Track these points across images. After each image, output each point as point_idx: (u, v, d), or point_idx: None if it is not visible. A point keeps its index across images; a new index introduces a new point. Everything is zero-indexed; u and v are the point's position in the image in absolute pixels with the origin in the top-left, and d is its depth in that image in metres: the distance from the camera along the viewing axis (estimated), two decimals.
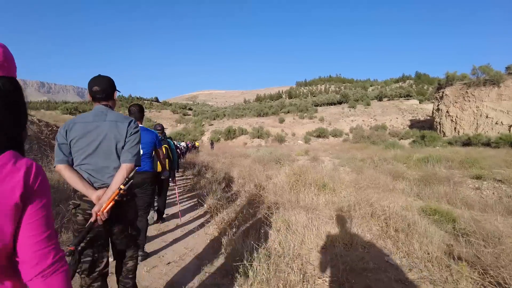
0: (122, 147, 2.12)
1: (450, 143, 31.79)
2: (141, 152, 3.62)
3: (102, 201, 1.93)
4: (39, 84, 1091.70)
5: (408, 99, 72.91)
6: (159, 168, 4.90)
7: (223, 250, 3.66)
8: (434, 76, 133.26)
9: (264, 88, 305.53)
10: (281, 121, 59.84)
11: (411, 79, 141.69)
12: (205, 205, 5.72)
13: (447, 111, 37.49)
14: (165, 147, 5.32)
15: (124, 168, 2.06)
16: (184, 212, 6.11)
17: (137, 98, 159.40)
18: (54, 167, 2.06)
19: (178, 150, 16.52)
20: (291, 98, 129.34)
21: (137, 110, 3.78)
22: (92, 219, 1.90)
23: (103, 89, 2.17)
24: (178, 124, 76.60)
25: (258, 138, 50.16)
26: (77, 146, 2.04)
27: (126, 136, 2.12)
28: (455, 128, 36.38)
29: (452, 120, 36.92)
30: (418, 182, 8.26)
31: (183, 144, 23.27)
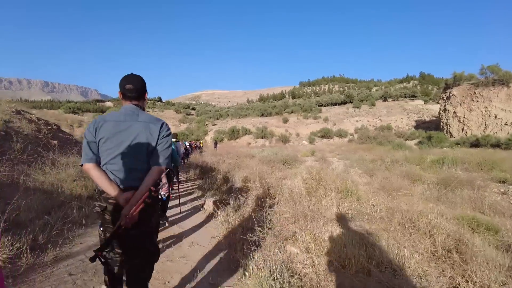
0: (153, 150, 2.07)
1: (457, 144, 31.27)
2: None
3: (131, 203, 1.89)
4: (43, 84, 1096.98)
5: (413, 99, 72.26)
6: None
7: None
8: (438, 76, 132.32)
9: (267, 88, 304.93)
10: (285, 121, 59.40)
11: (416, 79, 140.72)
12: (218, 220, 5.23)
13: (455, 112, 36.93)
14: None
15: (156, 171, 2.03)
16: (187, 220, 5.75)
17: None
18: (81, 165, 1.99)
19: (185, 150, 16.17)
20: (295, 98, 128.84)
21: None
22: (121, 222, 1.87)
23: (136, 88, 2.12)
24: (181, 124, 76.34)
25: (262, 138, 49.77)
26: (106, 145, 1.99)
27: (158, 138, 2.07)
28: (462, 129, 35.82)
29: (459, 120, 36.37)
30: (437, 185, 7.82)
31: (186, 144, 22.74)
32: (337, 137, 48.85)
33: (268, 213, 3.96)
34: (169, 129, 2.19)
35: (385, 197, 4.84)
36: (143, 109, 2.22)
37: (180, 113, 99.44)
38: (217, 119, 77.05)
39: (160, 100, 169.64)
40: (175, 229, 4.97)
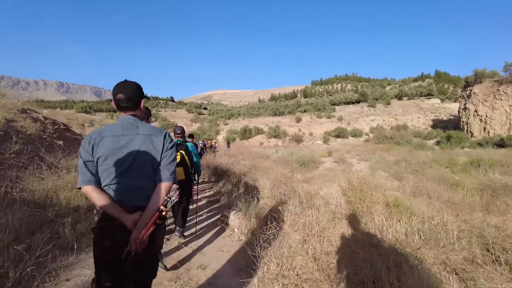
0: (158, 164, 1.91)
1: (479, 144, 29.95)
2: None
3: (140, 226, 1.74)
4: (58, 84, 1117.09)
5: (429, 98, 70.43)
6: (177, 176, 4.34)
7: None
8: (454, 74, 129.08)
9: (278, 88, 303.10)
10: (298, 120, 58.50)
11: (431, 78, 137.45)
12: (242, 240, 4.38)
13: (476, 110, 35.52)
14: (180, 153, 4.81)
15: (163, 188, 1.88)
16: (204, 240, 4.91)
17: (153, 97, 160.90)
18: (79, 188, 1.80)
19: (200, 150, 15.54)
20: (307, 97, 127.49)
21: (144, 113, 3.27)
22: (131, 249, 1.71)
23: (128, 97, 1.91)
24: (193, 124, 76.30)
25: (275, 138, 49.04)
26: (106, 164, 1.81)
27: (162, 151, 1.92)
28: (484, 128, 34.41)
29: (481, 119, 34.95)
30: (480, 192, 7.04)
31: (201, 143, 21.84)
32: (352, 136, 47.81)
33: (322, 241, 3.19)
34: (172, 140, 2.03)
35: (447, 212, 4.03)
36: (141, 119, 2.02)
37: (192, 112, 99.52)
38: (229, 118, 76.60)
39: (172, 100, 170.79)
40: (188, 252, 4.17)
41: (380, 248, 2.89)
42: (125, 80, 1.98)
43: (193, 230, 5.05)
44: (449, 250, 2.63)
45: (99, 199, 1.75)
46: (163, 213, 1.80)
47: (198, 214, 5.98)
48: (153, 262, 2.03)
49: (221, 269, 3.53)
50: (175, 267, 3.57)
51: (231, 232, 4.79)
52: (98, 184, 1.81)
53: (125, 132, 1.88)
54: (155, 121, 77.69)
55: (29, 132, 6.83)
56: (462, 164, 10.88)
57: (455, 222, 3.44)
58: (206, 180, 12.00)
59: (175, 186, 3.97)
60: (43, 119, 8.54)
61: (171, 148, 1.97)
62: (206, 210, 6.53)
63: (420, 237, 3.05)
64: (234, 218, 4.89)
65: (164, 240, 4.41)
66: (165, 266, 3.52)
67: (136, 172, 1.85)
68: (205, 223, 5.60)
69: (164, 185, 1.88)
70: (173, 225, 5.04)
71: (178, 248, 4.24)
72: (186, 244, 4.41)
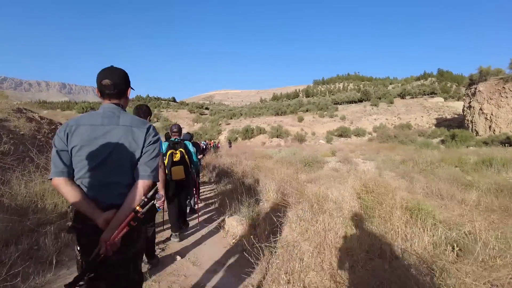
0: (138, 159, 1.72)
1: (485, 142, 29.49)
2: None
3: (112, 226, 1.55)
4: (61, 85, 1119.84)
5: (432, 96, 69.89)
6: (174, 176, 4.47)
7: None
8: (457, 73, 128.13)
9: (280, 87, 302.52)
10: (300, 120, 58.10)
11: (433, 76, 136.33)
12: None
13: (481, 109, 35.05)
14: (180, 151, 4.65)
15: (141, 186, 1.68)
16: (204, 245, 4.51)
17: (155, 98, 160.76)
18: (50, 179, 1.63)
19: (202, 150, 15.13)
20: (309, 96, 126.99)
21: (143, 111, 3.41)
22: (100, 251, 1.52)
23: (115, 84, 1.77)
24: (195, 124, 75.97)
25: (277, 137, 48.68)
26: (80, 155, 1.66)
27: (143, 146, 1.74)
28: (490, 127, 33.94)
29: (486, 118, 34.48)
30: (496, 193, 6.66)
31: (203, 143, 21.12)
32: (355, 136, 47.41)
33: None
34: (157, 133, 1.84)
35: (477, 218, 3.59)
36: (125, 109, 1.86)
37: (194, 112, 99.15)
38: (231, 118, 76.25)
39: (174, 100, 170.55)
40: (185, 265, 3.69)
41: (405, 262, 2.51)
42: (112, 66, 1.82)
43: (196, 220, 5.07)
44: (490, 266, 2.24)
45: (70, 193, 1.60)
46: (139, 215, 1.58)
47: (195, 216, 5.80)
48: (129, 271, 1.76)
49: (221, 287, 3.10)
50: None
51: (234, 240, 4.28)
52: (71, 177, 1.65)
53: (105, 121, 1.71)
54: (157, 121, 77.47)
55: (22, 132, 6.50)
56: (473, 163, 10.47)
57: (488, 230, 3.00)
58: (206, 180, 11.65)
59: (162, 193, 3.44)
60: (39, 119, 8.21)
61: (154, 142, 1.77)
62: (205, 216, 6.10)
63: (453, 248, 2.65)
64: (237, 225, 4.46)
65: (158, 250, 4.01)
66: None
67: (112, 166, 1.68)
68: (204, 229, 5.11)
69: (142, 183, 1.67)
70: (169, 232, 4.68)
71: (171, 259, 3.78)
72: (182, 254, 3.93)
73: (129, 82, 1.88)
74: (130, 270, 1.76)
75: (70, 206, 1.73)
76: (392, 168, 11.81)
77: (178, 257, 3.78)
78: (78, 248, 1.77)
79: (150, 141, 1.76)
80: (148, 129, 1.78)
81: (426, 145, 22.52)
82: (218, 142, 32.76)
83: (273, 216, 3.68)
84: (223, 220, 5.17)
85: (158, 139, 1.83)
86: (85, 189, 1.65)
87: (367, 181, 4.73)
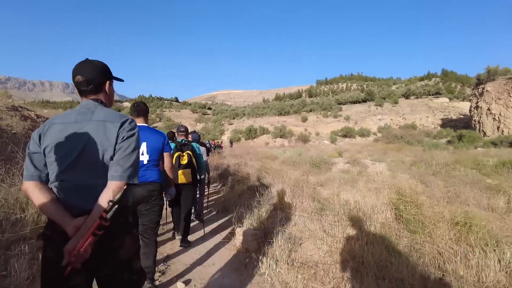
0: (111, 158, 1.50)
1: (493, 143, 28.88)
2: (148, 158, 3.00)
3: (80, 234, 1.34)
4: (64, 85, 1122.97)
5: (437, 97, 69.17)
6: (181, 179, 4.24)
7: None
8: (462, 73, 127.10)
9: (283, 88, 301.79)
10: (304, 120, 57.56)
11: (437, 76, 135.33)
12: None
13: (489, 109, 34.41)
14: (187, 153, 4.41)
15: (111, 188, 1.43)
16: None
17: (158, 98, 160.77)
18: (22, 183, 1.46)
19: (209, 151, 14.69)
20: (312, 97, 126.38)
21: (142, 106, 3.16)
22: (64, 262, 1.32)
23: (87, 80, 1.58)
24: (198, 124, 75.61)
25: (281, 137, 48.17)
26: (52, 155, 1.48)
27: (116, 142, 1.50)
28: (498, 127, 33.29)
29: (494, 118, 33.84)
30: None
31: (208, 143, 20.32)
32: (360, 136, 46.87)
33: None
34: (133, 127, 1.60)
35: None
36: (106, 105, 1.68)
37: (197, 112, 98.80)
38: (234, 118, 75.82)
39: (176, 100, 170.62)
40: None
41: None
42: (86, 59, 1.64)
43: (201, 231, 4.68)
44: None
45: (37, 197, 1.43)
46: (103, 222, 1.33)
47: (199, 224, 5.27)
48: (124, 273, 1.57)
49: None
50: None
51: (247, 260, 3.58)
52: (43, 181, 1.49)
53: (78, 118, 1.55)
54: (159, 121, 77.21)
55: (14, 131, 6.07)
56: (492, 165, 9.95)
57: None
58: (211, 182, 11.17)
59: (173, 189, 3.21)
60: (35, 117, 7.82)
61: (129, 137, 1.54)
62: (212, 224, 5.47)
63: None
64: (250, 239, 3.77)
65: (158, 273, 3.36)
66: None
67: (84, 167, 1.51)
68: (211, 241, 4.51)
69: (112, 185, 1.46)
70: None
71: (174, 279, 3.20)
72: (187, 281, 3.24)
73: (108, 74, 1.69)
74: (124, 274, 1.58)
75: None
76: (404, 170, 11.30)
77: (182, 285, 3.12)
78: (42, 267, 1.48)
79: (124, 136, 1.53)
80: (123, 123, 1.56)
81: (435, 146, 21.97)
82: (221, 142, 32.29)
83: (291, 228, 3.15)
84: (233, 230, 4.56)
85: (135, 134, 1.59)
86: (58, 194, 1.49)
87: (401, 187, 4.15)
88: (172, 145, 4.40)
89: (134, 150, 1.57)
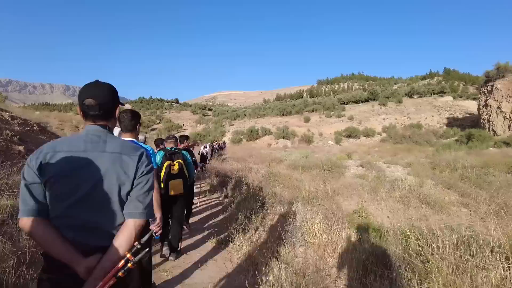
0: (128, 193, 1.39)
1: (505, 143, 27.83)
2: None
3: (95, 276, 1.23)
4: (65, 88, 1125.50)
5: (441, 95, 68.06)
6: (175, 190, 4.03)
7: None
8: (464, 72, 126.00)
9: (284, 88, 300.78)
10: (307, 120, 56.49)
11: (439, 75, 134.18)
12: None
13: (499, 107, 33.32)
14: (178, 162, 4.17)
15: (132, 226, 1.34)
16: None
17: (158, 99, 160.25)
18: (18, 219, 1.29)
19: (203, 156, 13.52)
20: (313, 97, 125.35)
21: (129, 118, 2.61)
22: None
23: (100, 104, 1.42)
24: (198, 125, 74.63)
25: (283, 138, 47.09)
26: (57, 188, 1.32)
27: (134, 177, 1.40)
28: (509, 126, 32.20)
29: (505, 116, 32.76)
30: None
31: (207, 149, 17.15)
32: (364, 136, 45.85)
33: None
34: (150, 162, 1.48)
35: None
36: (112, 132, 1.52)
37: (197, 114, 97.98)
38: (235, 119, 74.78)
39: (177, 101, 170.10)
40: None
41: None
42: (96, 81, 1.48)
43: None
44: None
45: (43, 236, 1.26)
46: (130, 264, 1.24)
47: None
48: None
49: None
50: None
51: None
52: (45, 215, 1.30)
53: (88, 147, 1.38)
54: (159, 122, 76.27)
55: None
56: None
57: None
58: (209, 189, 9.97)
59: (159, 215, 2.85)
60: (9, 119, 6.78)
61: (147, 173, 1.44)
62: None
63: None
64: None
65: None
66: None
67: (96, 203, 1.35)
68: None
69: (133, 223, 1.34)
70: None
71: None
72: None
73: (118, 99, 1.53)
74: None
75: (42, 252, 1.32)
76: (426, 175, 10.20)
77: None
78: None
79: (143, 172, 1.43)
80: (140, 156, 1.44)
81: (447, 147, 20.86)
82: (223, 143, 31.14)
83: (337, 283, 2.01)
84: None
85: (152, 169, 1.48)
86: (62, 231, 1.31)
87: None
88: (161, 153, 4.24)
89: (152, 187, 1.47)
